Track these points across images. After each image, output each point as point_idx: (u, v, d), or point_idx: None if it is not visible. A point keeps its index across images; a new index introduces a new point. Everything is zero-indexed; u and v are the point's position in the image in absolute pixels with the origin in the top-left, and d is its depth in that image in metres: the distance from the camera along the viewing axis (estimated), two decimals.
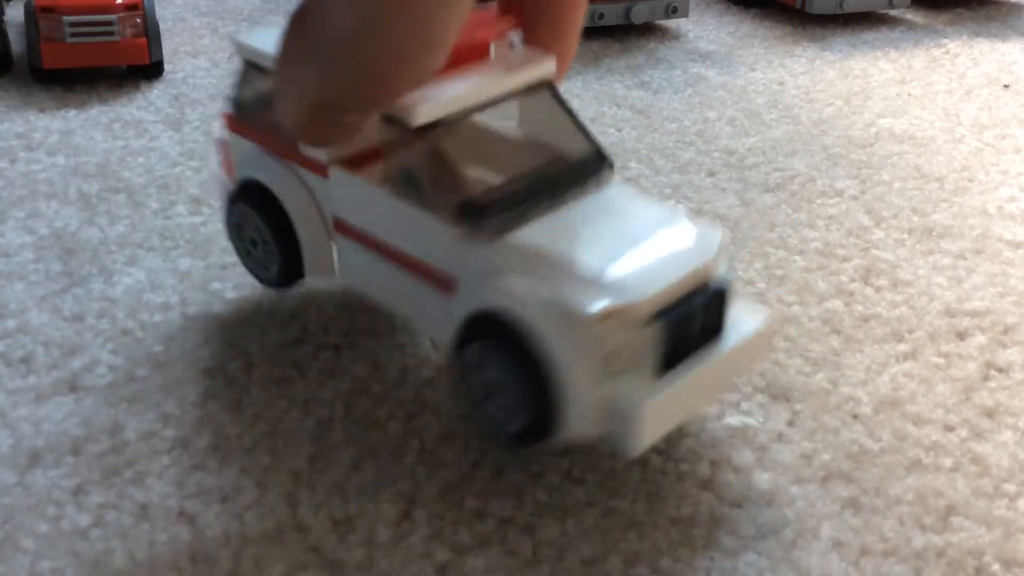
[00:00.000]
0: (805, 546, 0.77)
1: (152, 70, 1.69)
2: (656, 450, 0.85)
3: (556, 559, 0.74)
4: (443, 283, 0.83)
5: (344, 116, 0.56)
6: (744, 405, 0.92)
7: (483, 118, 0.93)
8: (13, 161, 1.38)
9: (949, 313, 1.08)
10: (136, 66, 1.68)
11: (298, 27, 0.51)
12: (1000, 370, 0.98)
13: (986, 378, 0.97)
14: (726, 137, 1.53)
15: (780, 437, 0.88)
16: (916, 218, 1.28)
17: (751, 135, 1.54)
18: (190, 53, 1.84)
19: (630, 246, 0.78)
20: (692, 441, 0.87)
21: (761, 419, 0.90)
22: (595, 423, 0.74)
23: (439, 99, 0.80)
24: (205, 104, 1.60)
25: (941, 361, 0.99)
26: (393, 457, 0.84)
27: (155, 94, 1.64)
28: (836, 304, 1.09)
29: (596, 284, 0.73)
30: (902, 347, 1.01)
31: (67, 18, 1.61)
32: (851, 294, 1.11)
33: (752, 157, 1.46)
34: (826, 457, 0.86)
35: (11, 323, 1.02)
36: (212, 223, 1.22)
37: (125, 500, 0.80)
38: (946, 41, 2.03)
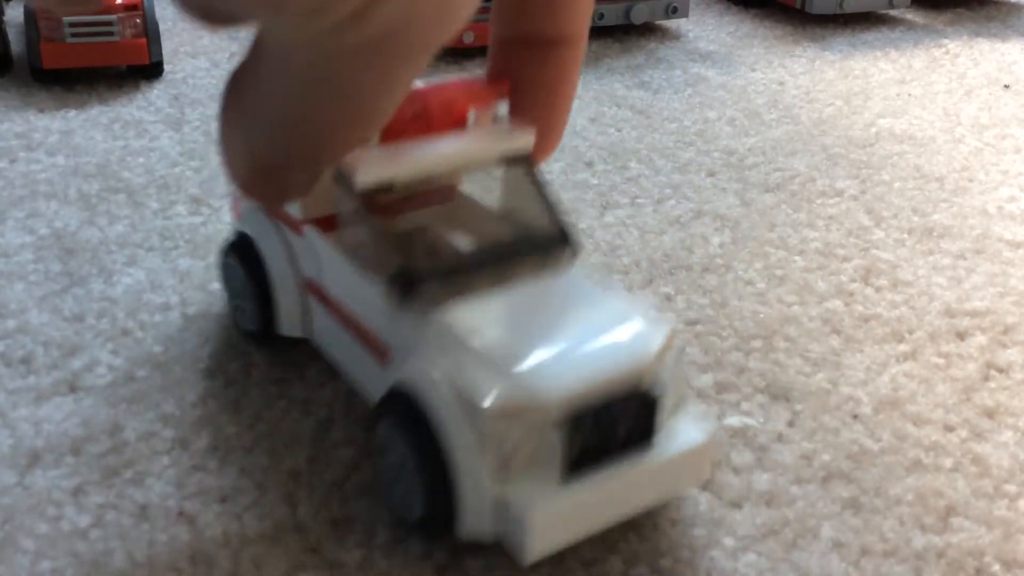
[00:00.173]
0: (805, 546, 0.77)
1: (152, 70, 1.69)
2: None
3: (556, 560, 0.74)
4: (381, 353, 0.80)
5: (285, 177, 0.56)
6: (744, 405, 0.92)
7: (469, 188, 0.93)
8: (13, 161, 1.38)
9: (949, 313, 1.07)
10: (136, 66, 1.68)
11: (235, 90, 0.51)
12: (1000, 370, 0.98)
13: (986, 378, 0.97)
14: (726, 137, 1.53)
15: (780, 437, 0.88)
16: (916, 218, 1.28)
17: (751, 135, 1.54)
18: (190, 53, 1.84)
19: (559, 339, 0.73)
20: None
21: (761, 419, 0.90)
22: (492, 523, 0.69)
23: (388, 163, 0.77)
24: (205, 104, 1.60)
25: (941, 361, 0.99)
26: None
27: (155, 94, 1.64)
28: (836, 304, 1.09)
29: (506, 376, 0.68)
30: (902, 347, 1.01)
31: (67, 18, 1.61)
32: (851, 294, 1.11)
33: (752, 157, 1.46)
34: (826, 457, 0.86)
35: (11, 323, 1.02)
36: (212, 223, 1.22)
37: (125, 500, 0.80)
38: (946, 41, 2.03)
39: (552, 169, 1.40)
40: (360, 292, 0.82)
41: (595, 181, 1.37)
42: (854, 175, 1.40)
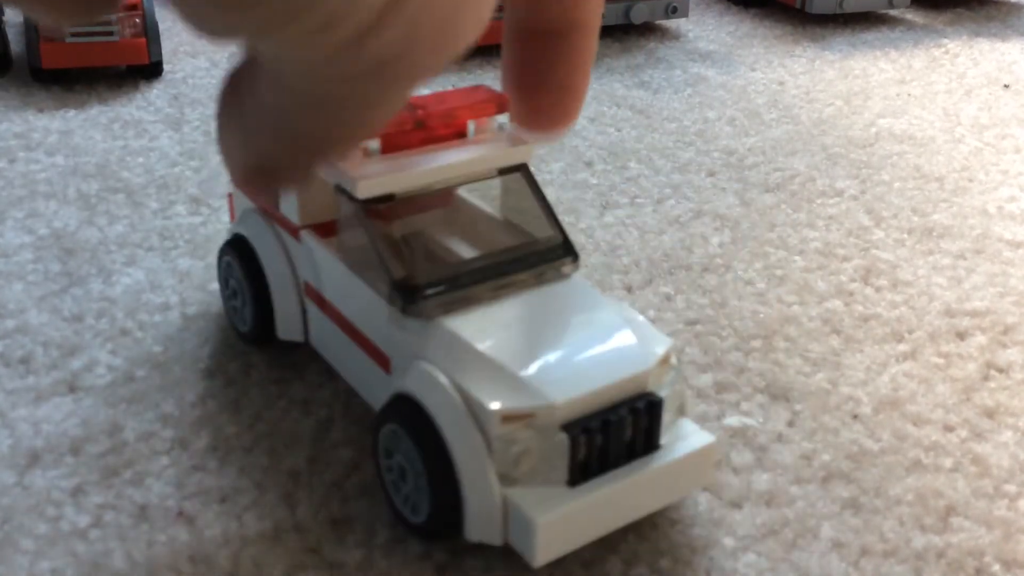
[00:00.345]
0: (805, 546, 0.77)
1: (151, 70, 1.69)
2: None
3: (556, 560, 0.74)
4: (383, 361, 0.81)
5: (281, 176, 0.56)
6: (744, 405, 0.92)
7: (466, 195, 0.93)
8: (12, 161, 1.38)
9: (949, 313, 1.07)
10: (135, 66, 1.68)
11: (231, 92, 0.52)
12: (1000, 370, 0.98)
13: (986, 378, 0.97)
14: (726, 137, 1.53)
15: (780, 437, 0.88)
16: (916, 218, 1.28)
17: (751, 135, 1.54)
18: (189, 53, 1.84)
19: (562, 347, 0.73)
20: None
21: (761, 419, 0.90)
22: (500, 527, 0.70)
23: (390, 174, 0.78)
24: (204, 104, 1.60)
25: (941, 361, 0.99)
26: None
27: (154, 94, 1.64)
28: (836, 304, 1.08)
29: (509, 382, 0.69)
30: (902, 347, 1.01)
31: None
32: (851, 294, 1.11)
33: (752, 157, 1.46)
34: (826, 457, 0.86)
35: (10, 323, 1.02)
36: (211, 223, 1.22)
37: (124, 500, 0.79)
38: (946, 41, 2.03)
39: (552, 169, 1.40)
40: (360, 298, 0.82)
41: (595, 181, 1.37)
42: (854, 175, 1.40)
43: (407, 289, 0.76)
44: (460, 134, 0.84)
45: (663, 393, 0.73)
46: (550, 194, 1.27)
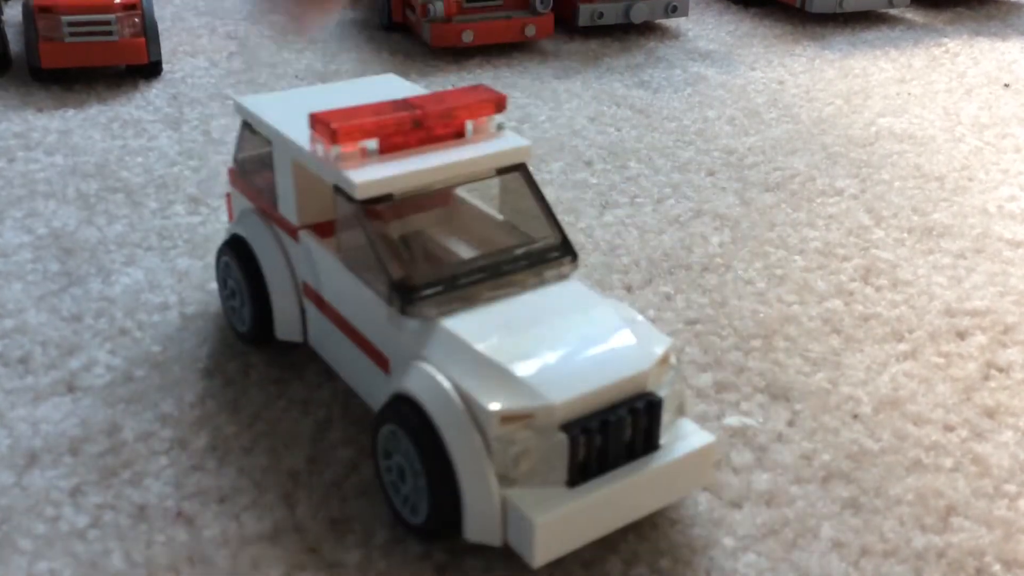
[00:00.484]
0: (805, 546, 0.77)
1: (151, 69, 1.69)
2: None
3: (556, 560, 0.74)
4: (382, 362, 0.81)
5: None
6: (744, 405, 0.92)
7: (464, 195, 0.93)
8: (11, 160, 1.38)
9: (949, 313, 1.07)
10: (135, 66, 1.68)
11: None
12: (1000, 370, 0.98)
13: (986, 378, 0.97)
14: (726, 136, 1.52)
15: (780, 437, 0.88)
16: (916, 217, 1.28)
17: (751, 134, 1.54)
18: (189, 53, 1.84)
19: (560, 348, 0.73)
20: None
21: (761, 419, 0.90)
22: (499, 528, 0.69)
23: (388, 174, 0.78)
24: (204, 103, 1.60)
25: (941, 361, 0.99)
26: None
27: (153, 94, 1.63)
28: (836, 304, 1.08)
29: (509, 383, 0.69)
30: (902, 347, 1.01)
31: (65, 18, 1.61)
32: (851, 294, 1.10)
33: (752, 156, 1.45)
34: (826, 457, 0.86)
35: (9, 323, 1.01)
36: (210, 223, 1.22)
37: (123, 501, 0.79)
38: (946, 40, 2.03)
39: (552, 169, 1.40)
40: (358, 298, 0.82)
41: (594, 180, 1.36)
42: (854, 174, 1.40)
43: (405, 289, 0.76)
44: (458, 134, 0.84)
45: (662, 393, 0.73)
46: (549, 194, 1.27)
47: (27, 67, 1.65)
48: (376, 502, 0.79)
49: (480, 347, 0.72)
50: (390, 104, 0.84)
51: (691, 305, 1.08)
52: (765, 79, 1.78)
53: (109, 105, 1.58)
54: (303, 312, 0.92)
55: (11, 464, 0.83)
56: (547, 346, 0.73)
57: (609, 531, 0.73)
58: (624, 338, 0.75)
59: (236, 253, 0.94)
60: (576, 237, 1.19)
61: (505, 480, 0.69)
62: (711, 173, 1.40)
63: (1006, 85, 1.78)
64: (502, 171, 0.84)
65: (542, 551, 0.69)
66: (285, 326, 0.93)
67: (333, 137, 0.79)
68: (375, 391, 0.82)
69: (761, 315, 1.06)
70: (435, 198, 0.93)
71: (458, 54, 1.86)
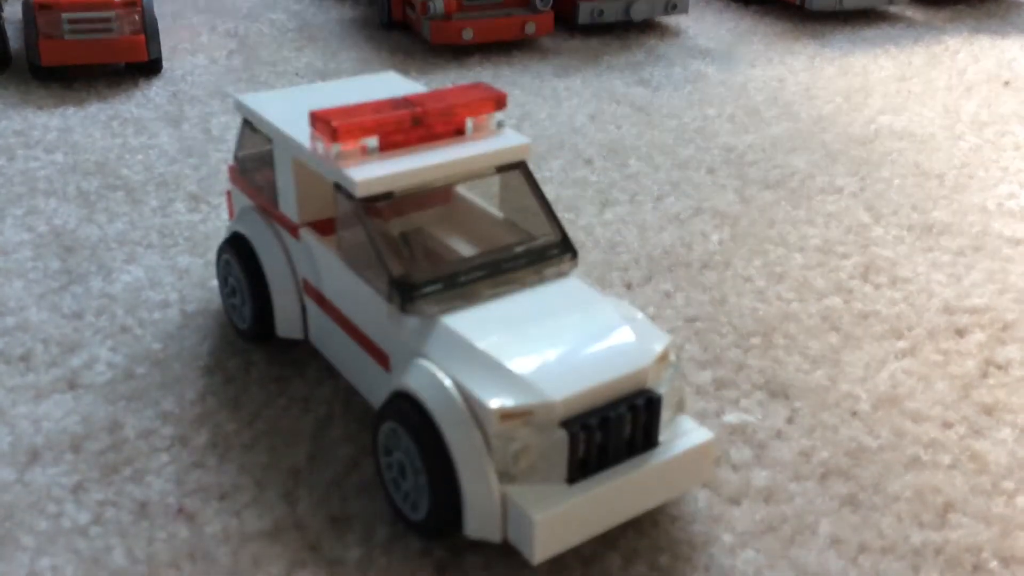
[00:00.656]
0: (803, 543, 0.77)
1: (151, 67, 1.69)
2: None
3: (556, 557, 0.74)
4: (382, 359, 0.81)
5: None
6: (743, 402, 0.92)
7: (465, 193, 0.93)
8: (11, 158, 1.38)
9: (948, 310, 1.08)
10: (135, 63, 1.68)
11: None
12: (999, 367, 0.98)
13: (985, 375, 0.97)
14: (726, 134, 1.53)
15: (779, 434, 0.88)
16: (916, 215, 1.28)
17: (751, 132, 1.54)
18: (189, 50, 1.84)
19: (560, 345, 0.73)
20: None
21: (760, 416, 0.90)
22: (499, 525, 0.70)
23: (389, 172, 0.78)
24: (204, 101, 1.60)
25: (940, 358, 0.99)
26: None
27: (154, 91, 1.64)
28: (835, 301, 1.09)
29: (509, 380, 0.70)
30: (901, 344, 1.02)
31: (65, 15, 1.61)
32: (850, 291, 1.11)
33: (752, 154, 1.46)
34: (825, 454, 0.86)
35: (10, 320, 1.02)
36: (211, 221, 1.22)
37: (124, 497, 0.80)
38: (946, 38, 2.03)
39: (552, 167, 1.40)
40: (359, 296, 0.82)
41: (595, 178, 1.37)
42: (854, 172, 1.40)
43: (406, 286, 0.76)
44: (458, 132, 0.84)
45: (662, 390, 0.73)
46: (549, 191, 1.27)
47: (27, 64, 1.65)
48: (377, 499, 0.79)
49: (480, 344, 0.72)
50: (390, 102, 0.84)
51: (691, 303, 1.08)
52: (765, 77, 1.78)
53: (109, 103, 1.58)
54: (304, 309, 0.92)
55: (13, 461, 0.83)
56: (547, 343, 0.74)
57: (609, 528, 0.73)
58: (623, 335, 0.75)
59: (237, 251, 0.94)
60: (576, 235, 1.19)
61: (505, 477, 0.69)
62: (711, 171, 1.40)
63: (1006, 83, 1.78)
64: (502, 169, 0.85)
65: (542, 548, 0.69)
66: (286, 323, 0.93)
67: (333, 135, 0.79)
68: (376, 388, 0.83)
69: (760, 312, 1.06)
70: (435, 196, 0.93)
71: (458, 52, 1.87)
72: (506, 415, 0.68)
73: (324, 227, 0.89)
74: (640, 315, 0.79)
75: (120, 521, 0.77)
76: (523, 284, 0.80)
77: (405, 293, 0.76)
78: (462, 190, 0.94)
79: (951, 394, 0.94)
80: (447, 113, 0.83)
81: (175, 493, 0.80)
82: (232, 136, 1.45)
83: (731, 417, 0.90)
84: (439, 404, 0.70)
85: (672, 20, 2.09)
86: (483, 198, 0.93)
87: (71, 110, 1.55)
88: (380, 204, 0.79)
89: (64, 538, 0.76)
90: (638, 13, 1.97)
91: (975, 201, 1.33)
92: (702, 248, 1.19)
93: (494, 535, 0.71)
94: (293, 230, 0.90)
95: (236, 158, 1.00)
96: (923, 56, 1.92)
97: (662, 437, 0.74)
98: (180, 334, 1.00)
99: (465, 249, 0.89)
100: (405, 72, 1.67)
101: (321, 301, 0.89)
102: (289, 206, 0.90)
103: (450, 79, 1.74)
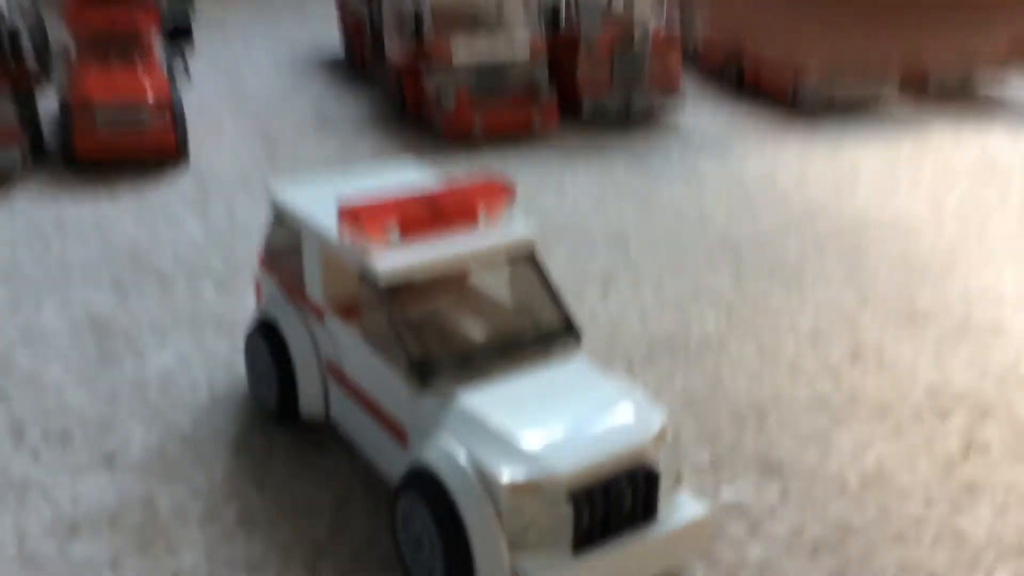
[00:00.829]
0: None
1: (179, 159, 1.79)
2: None
3: None
4: (401, 435, 0.88)
5: None
6: (739, 481, 0.98)
7: (478, 278, 1.01)
8: (49, 246, 1.47)
9: (932, 393, 1.14)
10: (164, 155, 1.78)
11: None
12: (979, 447, 1.04)
13: (966, 455, 1.03)
14: (722, 223, 1.61)
15: (772, 511, 0.94)
16: (901, 302, 1.35)
17: (745, 221, 1.62)
18: (214, 141, 1.94)
19: (566, 421, 0.79)
20: None
21: (754, 493, 0.96)
22: None
23: (409, 262, 0.85)
24: (229, 190, 1.69)
25: (924, 439, 1.05)
26: None
27: (182, 181, 1.73)
28: (825, 384, 1.15)
29: (519, 455, 0.76)
30: (887, 425, 1.08)
31: (99, 111, 1.71)
32: (839, 374, 1.17)
33: (747, 242, 1.54)
34: (815, 530, 0.91)
35: (50, 402, 1.08)
36: (238, 306, 1.30)
37: (159, 570, 0.85)
38: (932, 129, 2.13)
39: (557, 253, 1.48)
40: (379, 376, 0.89)
41: (598, 264, 1.45)
42: (843, 260, 1.48)
43: (423, 367, 0.83)
44: (472, 221, 0.92)
45: (660, 466, 0.79)
46: (555, 274, 1.35)
47: (62, 156, 1.75)
48: (396, 571, 0.85)
49: (492, 421, 0.79)
50: (409, 193, 0.92)
51: (689, 384, 1.14)
52: (759, 167, 1.88)
53: (139, 192, 1.67)
54: (327, 391, 0.99)
55: (54, 535, 0.89)
56: (554, 420, 0.80)
57: None
58: (624, 413, 0.81)
59: (264, 335, 1.01)
60: (581, 316, 1.26)
61: (514, 547, 0.75)
62: (708, 258, 1.48)
63: (988, 175, 1.87)
64: (512, 256, 0.92)
65: None
66: (309, 405, 1.00)
67: (359, 227, 0.87)
68: (394, 464, 0.89)
69: (755, 394, 1.12)
70: (451, 282, 1.01)
71: (468, 140, 1.97)
72: (517, 488, 0.74)
73: (347, 311, 0.97)
74: (640, 393, 0.86)
75: None
76: (532, 364, 0.87)
77: (422, 373, 0.83)
78: (476, 274, 1.02)
79: (934, 473, 1.00)
80: (462, 204, 0.91)
81: (206, 566, 0.86)
82: (256, 224, 1.54)
83: (727, 494, 0.96)
84: (454, 478, 0.77)
85: (670, 112, 2.20)
86: (495, 278, 1.01)
87: (104, 200, 1.64)
88: (401, 291, 0.86)
89: None
90: (637, 104, 2.08)
91: (958, 289, 1.40)
92: (700, 331, 1.26)
93: None
94: (319, 314, 0.98)
95: (264, 245, 1.07)
96: (910, 147, 2.02)
97: (661, 511, 0.80)
98: (209, 414, 1.07)
99: (478, 332, 0.96)
100: (420, 158, 1.76)
101: (343, 380, 0.96)
102: (315, 291, 0.98)
103: (461, 167, 1.84)
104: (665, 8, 2.11)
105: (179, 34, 2.50)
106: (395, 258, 0.86)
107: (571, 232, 1.55)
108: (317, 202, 0.98)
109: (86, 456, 1.00)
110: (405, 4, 2.02)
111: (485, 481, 0.76)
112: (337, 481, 0.97)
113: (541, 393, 0.83)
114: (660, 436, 0.81)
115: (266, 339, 1.01)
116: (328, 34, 2.91)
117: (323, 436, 1.03)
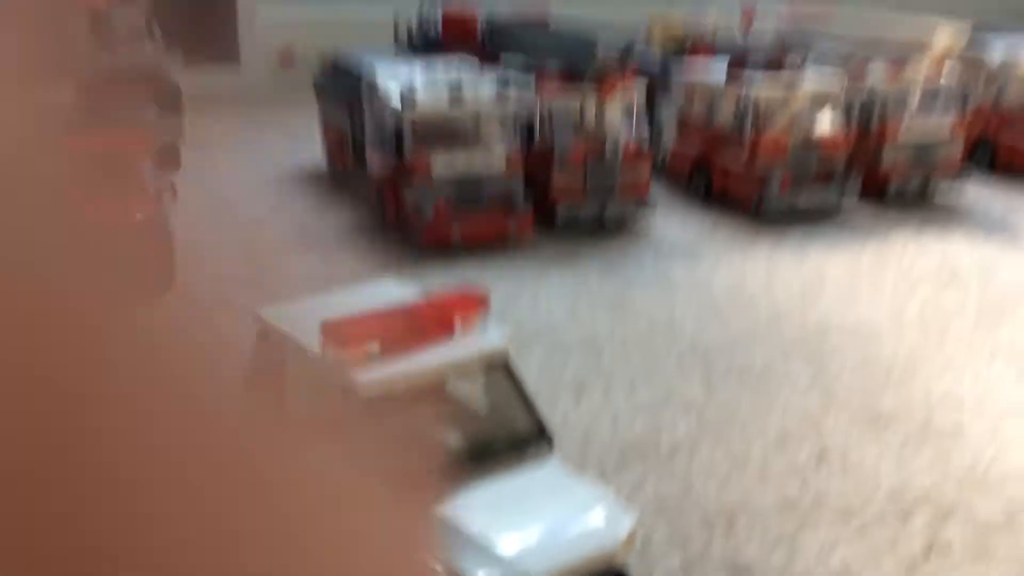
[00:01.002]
0: None
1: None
2: None
3: None
4: None
5: None
6: None
7: (454, 386, 1.06)
8: None
9: (894, 495, 1.18)
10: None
11: None
12: (941, 548, 1.08)
13: (928, 556, 1.06)
14: (691, 329, 1.67)
15: None
16: (865, 405, 1.40)
17: (714, 327, 1.68)
18: (198, 260, 1.99)
19: (540, 524, 0.85)
20: None
21: None
22: None
23: (388, 373, 0.90)
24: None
25: (887, 540, 1.09)
26: None
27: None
28: (792, 487, 1.19)
29: (494, 559, 0.80)
30: (852, 527, 1.11)
31: None
32: (806, 477, 1.21)
33: (715, 348, 1.59)
34: None
35: None
36: None
37: None
38: (893, 236, 2.22)
39: (531, 360, 1.52)
40: None
41: (571, 370, 1.49)
42: (808, 364, 1.53)
43: None
44: (448, 333, 0.97)
45: (630, 567, 0.83)
46: (528, 379, 1.39)
47: None
48: None
49: (469, 528, 0.82)
50: (389, 310, 0.97)
51: (660, 489, 1.18)
52: (727, 273, 1.95)
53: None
54: None
55: None
56: (528, 524, 0.84)
57: None
58: (596, 517, 0.85)
59: None
60: (554, 422, 1.30)
61: None
62: (679, 364, 1.53)
63: (948, 280, 1.95)
64: (487, 364, 0.97)
65: None
66: None
67: (341, 343, 0.92)
68: None
69: (724, 499, 1.16)
70: (429, 391, 1.05)
71: (447, 249, 2.03)
72: None
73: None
74: (611, 496, 0.90)
75: None
76: (507, 470, 0.91)
77: None
78: (452, 382, 1.06)
79: (898, 574, 1.03)
80: (438, 316, 0.96)
81: None
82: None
83: None
84: None
85: (642, 220, 2.28)
86: (471, 389, 1.05)
87: None
88: (379, 402, 0.90)
89: None
90: (611, 212, 2.17)
91: (919, 393, 1.45)
92: (670, 436, 1.30)
93: None
94: None
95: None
96: (872, 253, 2.10)
97: None
98: None
99: (454, 439, 1.00)
100: (399, 270, 1.82)
101: None
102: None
103: (439, 277, 1.89)
104: (635, 122, 2.22)
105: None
106: (375, 371, 0.90)
107: (545, 338, 1.60)
108: (302, 323, 1.03)
109: None
110: (387, 119, 2.11)
111: None
112: None
113: (515, 498, 0.87)
114: (630, 540, 0.84)
115: None
116: (310, 147, 3.01)
117: None
